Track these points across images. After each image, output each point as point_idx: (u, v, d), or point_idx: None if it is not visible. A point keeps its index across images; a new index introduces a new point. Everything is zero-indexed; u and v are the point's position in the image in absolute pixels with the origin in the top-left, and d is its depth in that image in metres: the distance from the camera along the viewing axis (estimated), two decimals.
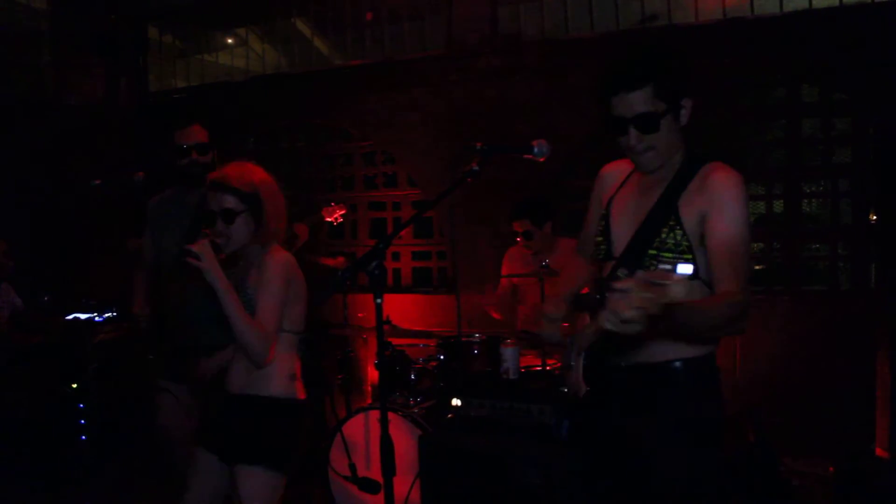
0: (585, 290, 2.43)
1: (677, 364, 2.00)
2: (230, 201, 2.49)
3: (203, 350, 2.96)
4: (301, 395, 2.60)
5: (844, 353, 4.61)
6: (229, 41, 7.72)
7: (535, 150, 2.25)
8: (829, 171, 5.11)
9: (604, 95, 2.02)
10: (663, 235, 1.98)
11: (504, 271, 4.66)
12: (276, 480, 2.49)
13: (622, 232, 2.11)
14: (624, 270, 2.06)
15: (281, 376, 2.55)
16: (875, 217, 4.86)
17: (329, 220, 4.73)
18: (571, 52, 5.46)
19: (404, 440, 3.56)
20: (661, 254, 1.98)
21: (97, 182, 3.83)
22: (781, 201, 5.15)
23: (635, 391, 2.05)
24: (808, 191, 5.72)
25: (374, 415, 3.81)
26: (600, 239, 2.18)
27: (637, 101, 1.95)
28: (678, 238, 1.96)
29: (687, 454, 2.00)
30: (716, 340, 2.06)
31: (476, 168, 2.19)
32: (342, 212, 4.76)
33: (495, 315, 4.76)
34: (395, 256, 6.25)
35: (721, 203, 1.93)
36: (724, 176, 1.96)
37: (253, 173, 2.56)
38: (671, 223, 1.98)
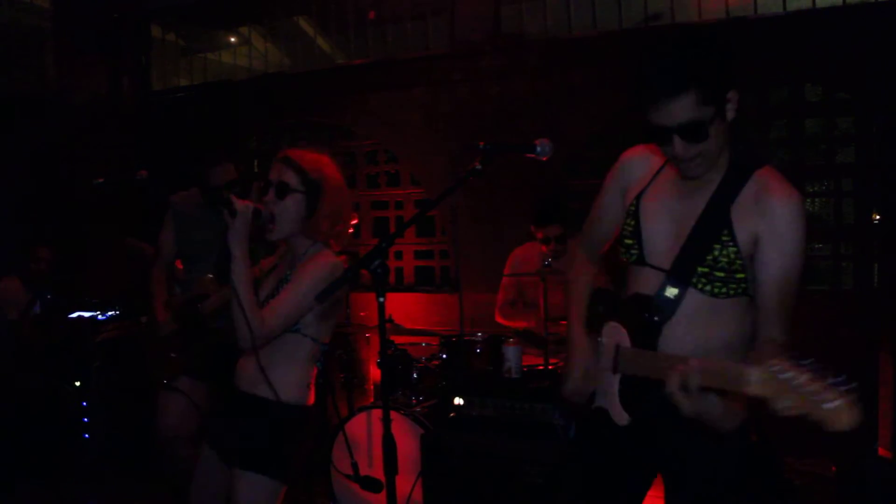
0: (604, 286, 2.28)
1: None
2: (290, 176, 2.43)
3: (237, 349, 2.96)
4: (310, 401, 2.51)
5: (847, 353, 4.60)
6: (232, 40, 7.72)
7: (538, 149, 2.23)
8: (833, 171, 5.10)
9: (641, 102, 1.81)
10: (716, 252, 1.83)
11: (507, 270, 4.64)
12: (276, 488, 2.42)
13: (661, 238, 1.95)
14: (673, 290, 1.89)
15: (295, 383, 2.45)
16: (878, 217, 4.85)
17: None
18: (574, 51, 5.46)
19: (407, 439, 3.56)
20: (714, 272, 1.83)
21: (100, 180, 3.83)
22: None
23: (662, 408, 1.87)
24: (811, 190, 5.71)
25: (377, 414, 3.81)
26: (630, 241, 2.01)
27: (680, 109, 1.75)
28: (731, 256, 1.82)
29: (710, 462, 1.90)
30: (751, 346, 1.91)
31: (479, 167, 2.17)
32: (353, 221, 4.51)
33: (502, 321, 4.63)
34: (398, 255, 6.25)
35: (779, 231, 1.77)
36: (785, 198, 1.79)
37: (326, 165, 2.51)
38: (724, 238, 1.82)
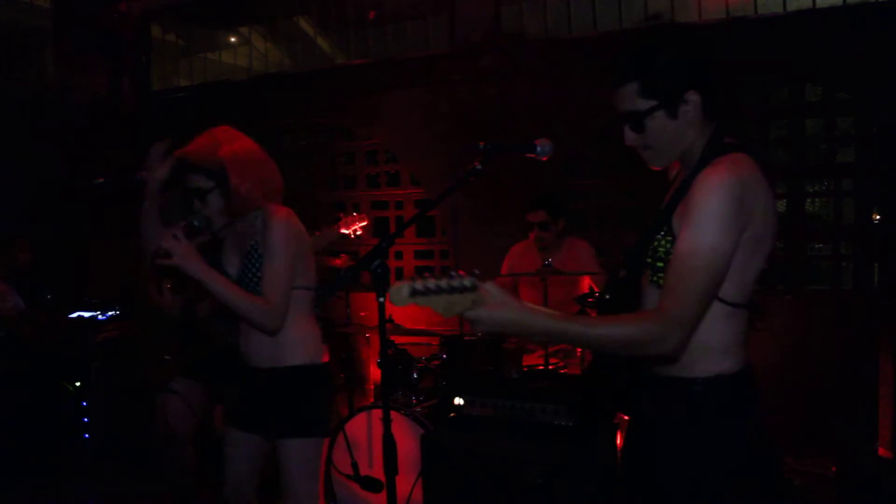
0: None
1: (697, 385, 1.82)
2: (198, 180, 2.49)
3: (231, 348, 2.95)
4: (325, 358, 2.63)
5: (847, 353, 4.60)
6: (232, 40, 7.72)
7: (538, 148, 2.24)
8: (833, 171, 5.10)
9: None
10: (656, 244, 1.87)
11: (505, 268, 4.66)
12: (317, 446, 2.58)
13: None
14: (623, 272, 1.97)
15: (306, 341, 2.58)
16: (878, 216, 4.85)
17: (346, 231, 4.35)
18: (574, 52, 5.46)
19: (407, 439, 3.56)
20: (656, 263, 1.85)
21: (99, 180, 3.82)
22: (784, 201, 5.14)
23: (655, 406, 1.93)
24: (811, 190, 5.70)
25: (377, 414, 3.81)
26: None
27: (622, 98, 1.87)
28: (668, 247, 1.82)
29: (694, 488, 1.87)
30: (744, 348, 1.86)
31: (479, 167, 2.18)
32: (363, 223, 4.32)
33: None
34: (398, 255, 6.25)
35: (693, 209, 1.72)
36: (708, 174, 1.74)
37: (218, 147, 2.48)
38: (665, 230, 1.85)
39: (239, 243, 2.59)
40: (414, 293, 1.49)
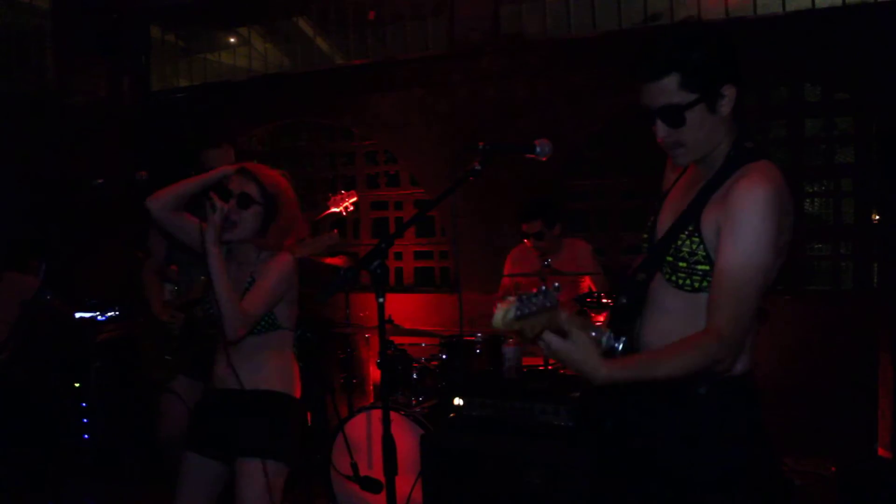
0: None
1: (702, 388, 1.83)
2: (252, 188, 2.54)
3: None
4: (297, 393, 2.65)
5: (847, 353, 4.61)
6: (232, 40, 7.71)
7: (538, 149, 2.24)
8: (832, 171, 5.10)
9: (633, 83, 1.85)
10: (679, 242, 1.84)
11: (507, 271, 4.66)
12: (281, 471, 2.52)
13: (660, 231, 1.96)
14: (641, 274, 1.94)
15: (285, 373, 2.61)
16: (878, 217, 4.85)
17: (337, 209, 4.37)
18: (573, 52, 5.46)
19: (406, 440, 3.56)
20: (678, 262, 1.83)
21: (99, 181, 3.82)
22: None
23: (658, 412, 1.92)
24: (810, 190, 5.71)
25: (376, 414, 3.81)
26: (645, 236, 2.04)
27: (661, 91, 1.78)
28: (693, 247, 1.81)
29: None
30: (751, 351, 1.87)
31: (478, 167, 2.17)
32: (353, 199, 4.33)
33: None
34: (398, 256, 6.26)
35: (735, 219, 1.72)
36: (750, 185, 1.73)
37: (281, 182, 2.63)
38: (690, 229, 1.83)
39: (239, 278, 2.62)
40: (520, 316, 1.42)
